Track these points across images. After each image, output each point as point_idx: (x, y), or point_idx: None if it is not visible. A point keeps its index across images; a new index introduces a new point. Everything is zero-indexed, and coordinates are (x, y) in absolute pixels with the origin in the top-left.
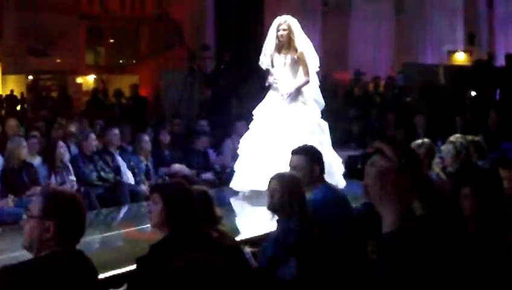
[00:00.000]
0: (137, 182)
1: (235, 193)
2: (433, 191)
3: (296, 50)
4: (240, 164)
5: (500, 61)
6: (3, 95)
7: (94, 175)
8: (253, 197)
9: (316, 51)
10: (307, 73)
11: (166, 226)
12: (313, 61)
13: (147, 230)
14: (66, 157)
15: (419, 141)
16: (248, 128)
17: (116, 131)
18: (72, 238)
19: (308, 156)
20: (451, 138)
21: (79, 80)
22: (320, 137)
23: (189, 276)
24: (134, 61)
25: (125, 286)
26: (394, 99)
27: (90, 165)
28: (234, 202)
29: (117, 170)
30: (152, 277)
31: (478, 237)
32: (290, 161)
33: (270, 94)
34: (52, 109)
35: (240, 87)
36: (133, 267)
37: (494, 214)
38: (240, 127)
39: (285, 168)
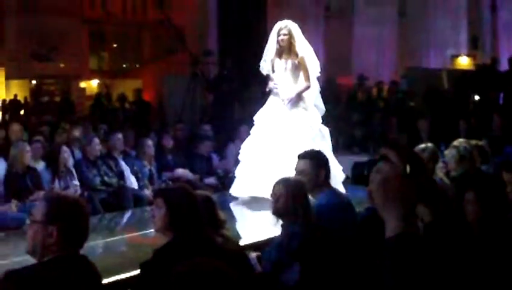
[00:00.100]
0: (140, 187)
1: (237, 198)
2: (439, 196)
3: (296, 55)
4: (240, 170)
5: (504, 65)
6: (7, 99)
7: (97, 180)
8: (253, 203)
9: (319, 56)
10: (307, 78)
11: (170, 230)
12: (314, 66)
13: (151, 235)
14: (70, 162)
15: (423, 145)
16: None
17: (120, 136)
18: (75, 243)
19: (314, 161)
20: (455, 143)
21: (82, 84)
22: (321, 143)
23: (193, 281)
24: (137, 66)
25: None
26: (397, 104)
27: (94, 170)
28: (237, 207)
29: (120, 175)
30: (156, 281)
31: (482, 241)
32: (296, 165)
33: (270, 99)
34: (54, 113)
35: (243, 92)
36: (137, 272)
37: (498, 218)
38: (243, 131)
39: (286, 174)
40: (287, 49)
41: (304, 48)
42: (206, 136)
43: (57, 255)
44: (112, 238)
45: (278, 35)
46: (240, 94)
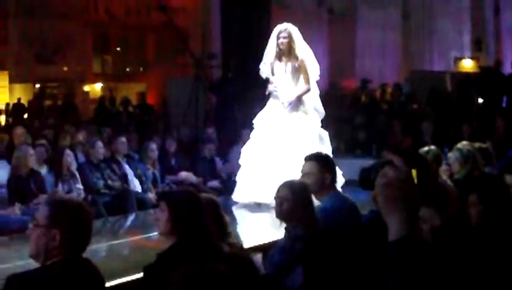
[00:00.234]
0: (144, 190)
1: (239, 202)
2: (448, 200)
3: (296, 58)
4: (242, 174)
5: (507, 67)
6: (11, 103)
7: (101, 183)
8: (255, 207)
9: (322, 59)
10: (307, 81)
11: (173, 234)
12: (314, 69)
13: (154, 238)
14: (73, 165)
15: (426, 148)
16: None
17: (123, 139)
18: (78, 246)
19: (320, 163)
20: (458, 145)
21: (86, 88)
22: (320, 147)
23: (196, 284)
24: (141, 69)
25: None
26: (401, 107)
27: (97, 173)
28: (239, 210)
29: (124, 178)
30: (159, 285)
31: (485, 243)
32: (302, 167)
33: (270, 102)
34: (57, 117)
35: (246, 95)
36: (140, 275)
37: (501, 220)
38: (246, 134)
39: (287, 177)
40: (286, 52)
41: (304, 51)
42: (209, 138)
43: (60, 258)
44: (115, 242)
45: (278, 38)
46: (244, 97)
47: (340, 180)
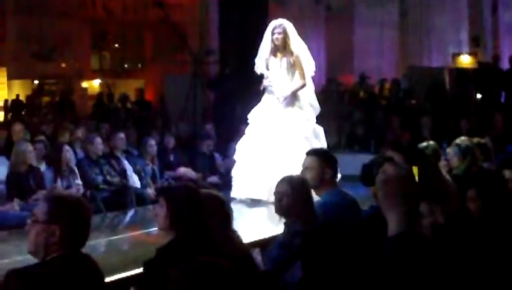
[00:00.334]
0: (143, 186)
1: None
2: (452, 196)
3: (291, 53)
4: (237, 170)
5: (505, 63)
6: (9, 100)
7: (100, 179)
8: (253, 202)
9: (321, 56)
10: (303, 76)
11: (172, 229)
12: (309, 65)
13: (153, 233)
14: (72, 161)
15: (425, 143)
16: None
17: (122, 135)
18: (78, 241)
19: (321, 158)
20: (457, 141)
21: (84, 84)
22: (315, 142)
23: (195, 279)
24: (139, 66)
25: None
26: (399, 102)
27: (96, 169)
28: (237, 205)
29: (123, 174)
30: (159, 280)
31: (484, 238)
32: (303, 161)
33: (265, 98)
34: (56, 113)
35: (244, 91)
36: (140, 270)
37: (500, 216)
38: (244, 130)
39: (282, 174)
40: (281, 47)
41: (299, 46)
42: (207, 134)
43: (59, 254)
44: (115, 237)
45: (273, 33)
46: (242, 93)
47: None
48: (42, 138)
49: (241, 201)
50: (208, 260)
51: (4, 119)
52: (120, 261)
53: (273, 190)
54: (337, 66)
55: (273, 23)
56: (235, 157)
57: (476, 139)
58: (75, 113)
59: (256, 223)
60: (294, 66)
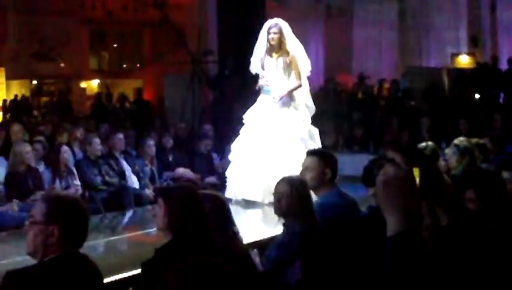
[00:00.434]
0: (141, 186)
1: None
2: (456, 198)
3: (287, 53)
4: (231, 171)
5: (503, 63)
6: (8, 100)
7: (99, 179)
8: (248, 203)
9: (319, 55)
10: (299, 76)
11: (170, 230)
12: (305, 65)
13: (152, 234)
14: (71, 161)
15: (423, 143)
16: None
17: (121, 135)
18: (76, 242)
19: (321, 159)
20: (456, 141)
21: (83, 84)
22: (309, 143)
23: (193, 280)
24: (138, 66)
25: None
26: (398, 103)
27: (95, 170)
28: (233, 207)
29: (122, 174)
30: (157, 280)
31: (482, 239)
32: (304, 161)
33: (260, 98)
34: (54, 113)
35: (243, 91)
36: (138, 271)
37: (499, 217)
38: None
39: (276, 174)
40: (277, 47)
41: (295, 46)
42: (205, 134)
43: (57, 254)
44: (113, 238)
45: (268, 33)
46: (240, 93)
47: None
48: (41, 138)
49: (236, 202)
50: (204, 260)
51: (3, 120)
52: (118, 261)
53: (268, 191)
54: (335, 65)
55: (268, 23)
56: (230, 157)
57: (475, 140)
58: (72, 113)
59: (250, 224)
60: (290, 66)
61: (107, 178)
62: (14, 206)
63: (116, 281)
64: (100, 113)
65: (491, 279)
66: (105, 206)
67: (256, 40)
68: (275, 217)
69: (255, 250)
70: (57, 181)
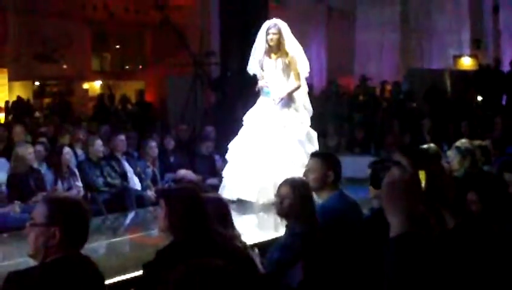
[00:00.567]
0: (143, 188)
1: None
2: (462, 200)
3: (286, 54)
4: (228, 170)
5: (506, 66)
6: (10, 101)
7: (101, 181)
8: (241, 205)
9: (321, 57)
10: (298, 78)
11: (172, 231)
12: (304, 66)
13: (153, 235)
14: (72, 163)
15: (425, 146)
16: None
17: (123, 137)
18: (77, 243)
19: (324, 161)
20: (457, 143)
21: (85, 85)
22: (308, 146)
23: (195, 281)
24: (140, 67)
25: None
26: (400, 105)
27: (97, 171)
28: (238, 207)
29: (124, 176)
30: (159, 282)
31: (484, 242)
32: (307, 163)
33: (260, 100)
34: (56, 115)
35: (244, 93)
36: (140, 272)
37: (501, 219)
38: None
39: (273, 176)
40: (276, 48)
41: (294, 47)
42: (207, 136)
43: (59, 256)
44: (115, 239)
45: (267, 34)
46: (242, 95)
47: None
48: (43, 139)
49: (231, 201)
50: (206, 262)
51: (5, 121)
52: (120, 263)
53: (263, 191)
54: (337, 68)
55: (267, 23)
56: (227, 157)
57: (477, 142)
58: (73, 114)
59: (247, 225)
60: (290, 66)
61: (109, 179)
62: (16, 207)
63: (117, 282)
64: (102, 115)
65: (493, 279)
66: (107, 208)
67: None
68: (271, 219)
69: (256, 250)
70: (59, 182)
